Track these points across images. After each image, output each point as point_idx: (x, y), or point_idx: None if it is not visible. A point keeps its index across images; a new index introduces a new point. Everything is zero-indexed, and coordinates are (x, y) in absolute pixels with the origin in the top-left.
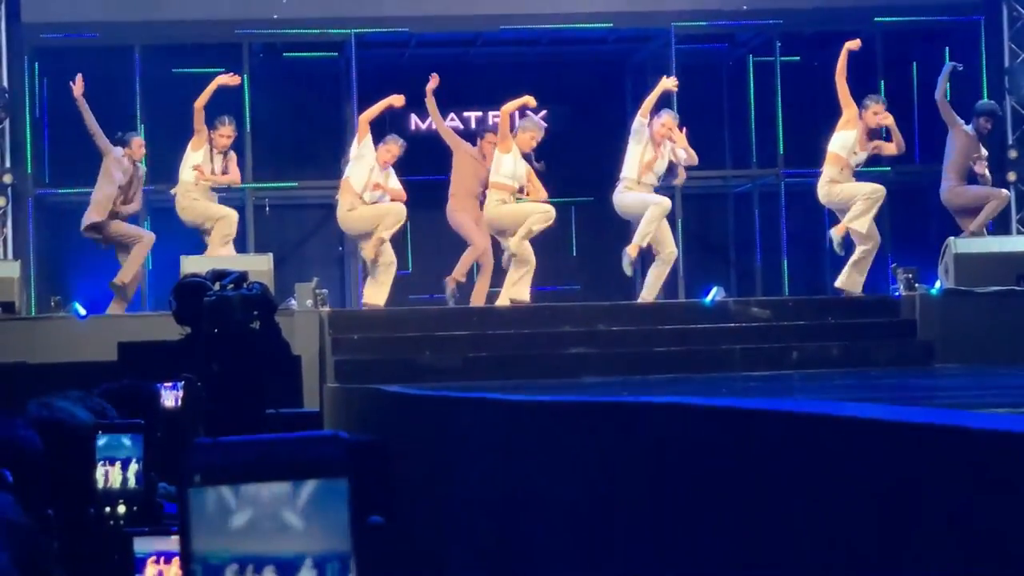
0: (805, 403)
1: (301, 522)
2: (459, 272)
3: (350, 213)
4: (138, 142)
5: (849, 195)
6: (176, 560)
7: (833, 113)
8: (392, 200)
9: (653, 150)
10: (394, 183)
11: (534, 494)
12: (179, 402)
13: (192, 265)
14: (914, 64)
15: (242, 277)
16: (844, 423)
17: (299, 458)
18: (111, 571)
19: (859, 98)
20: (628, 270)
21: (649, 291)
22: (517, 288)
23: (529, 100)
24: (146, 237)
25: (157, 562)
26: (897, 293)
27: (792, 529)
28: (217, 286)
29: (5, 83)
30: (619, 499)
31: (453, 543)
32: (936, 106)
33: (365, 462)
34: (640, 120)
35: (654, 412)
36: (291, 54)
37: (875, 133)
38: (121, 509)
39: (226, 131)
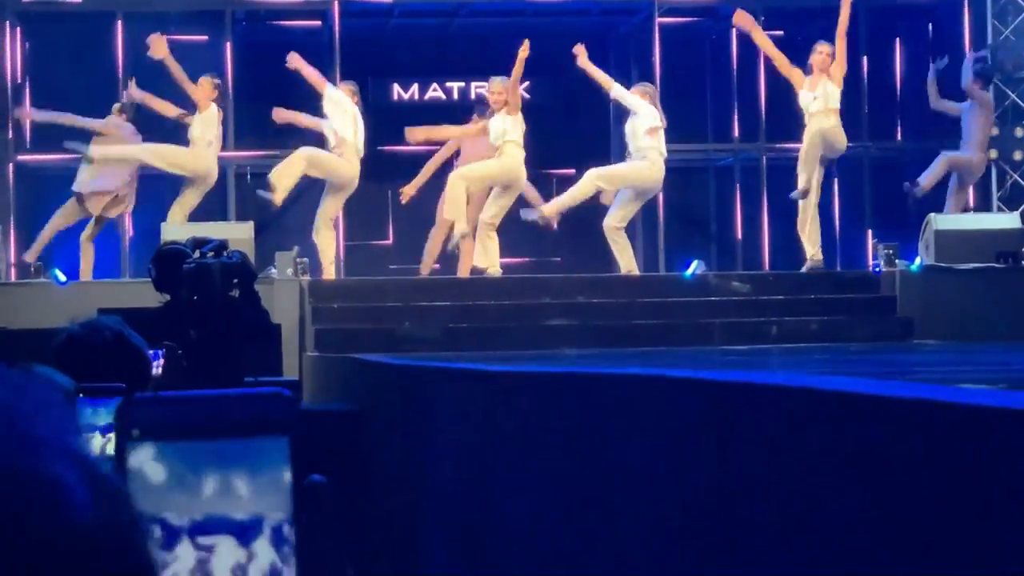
0: (782, 375)
1: (241, 479)
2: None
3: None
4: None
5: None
6: None
7: None
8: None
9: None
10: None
11: (512, 466)
12: (160, 370)
13: (172, 233)
14: (897, 40)
15: (222, 245)
16: (819, 396)
17: (241, 415)
18: None
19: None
20: None
21: (631, 263)
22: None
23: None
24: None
25: None
26: (877, 269)
27: (767, 504)
28: (197, 254)
29: None
30: (598, 473)
31: (429, 513)
32: (924, 88)
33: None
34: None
35: (634, 384)
36: (274, 22)
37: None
38: None
39: None
